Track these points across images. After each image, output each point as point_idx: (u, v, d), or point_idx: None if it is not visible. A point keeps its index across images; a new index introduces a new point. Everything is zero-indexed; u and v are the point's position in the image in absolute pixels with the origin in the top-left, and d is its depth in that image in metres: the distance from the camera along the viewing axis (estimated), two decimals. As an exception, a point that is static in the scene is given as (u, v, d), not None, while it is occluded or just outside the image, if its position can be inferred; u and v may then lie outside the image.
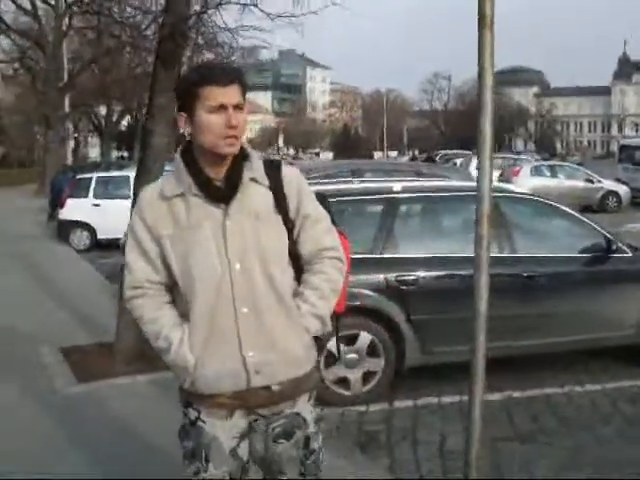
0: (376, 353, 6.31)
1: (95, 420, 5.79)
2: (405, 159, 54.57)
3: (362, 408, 6.19)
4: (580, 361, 7.20)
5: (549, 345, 6.88)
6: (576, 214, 7.41)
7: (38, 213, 24.77)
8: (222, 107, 2.57)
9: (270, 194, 2.69)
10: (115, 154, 68.07)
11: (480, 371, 3.28)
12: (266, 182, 2.70)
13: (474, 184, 7.81)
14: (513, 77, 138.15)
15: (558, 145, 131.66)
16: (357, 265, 6.00)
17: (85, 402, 6.22)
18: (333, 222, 2.89)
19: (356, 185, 7.63)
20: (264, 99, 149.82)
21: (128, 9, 32.89)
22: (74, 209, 17.51)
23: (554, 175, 26.42)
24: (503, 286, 6.58)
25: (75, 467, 4.84)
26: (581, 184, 25.82)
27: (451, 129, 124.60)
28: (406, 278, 6.33)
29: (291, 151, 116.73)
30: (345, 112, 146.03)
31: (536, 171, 26.59)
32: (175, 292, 2.74)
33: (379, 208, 6.67)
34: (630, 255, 7.10)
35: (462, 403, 6.13)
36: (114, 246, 12.89)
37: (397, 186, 6.91)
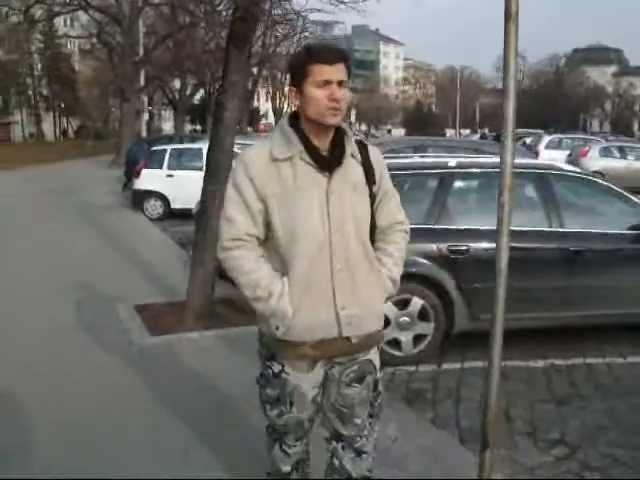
0: (427, 317, 6.71)
1: (167, 369, 6.35)
2: (476, 137, 54.16)
3: (412, 368, 6.61)
4: (625, 335, 7.41)
5: (594, 317, 7.12)
6: (625, 193, 7.65)
7: (114, 183, 25.57)
8: (327, 82, 2.84)
9: (361, 169, 3.01)
10: (188, 127, 68.97)
11: (499, 330, 3.65)
12: (359, 158, 3.02)
13: (525, 161, 8.19)
14: (590, 56, 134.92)
15: (635, 126, 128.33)
16: (412, 234, 6.47)
17: (157, 353, 6.78)
18: None
19: (415, 160, 8.02)
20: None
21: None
22: (148, 179, 18.02)
23: (623, 156, 26.12)
24: (550, 259, 6.98)
25: (146, 409, 5.38)
26: (651, 165, 25.44)
27: (525, 107, 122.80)
28: (457, 248, 6.71)
29: (363, 127, 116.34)
30: (418, 89, 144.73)
31: (605, 152, 26.30)
32: (268, 247, 2.97)
33: (434, 182, 7.05)
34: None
35: (505, 367, 6.50)
36: (186, 215, 13.46)
37: (452, 161, 7.31)
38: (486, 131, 58.02)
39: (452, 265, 6.71)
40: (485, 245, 6.77)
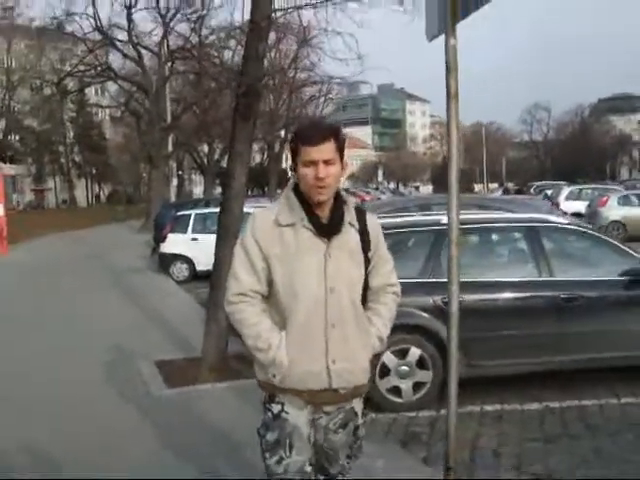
0: (425, 366, 7.13)
1: (180, 417, 6.91)
2: (499, 192, 54.63)
3: (412, 414, 7.01)
4: (620, 377, 7.71)
5: (588, 361, 7.46)
6: (612, 241, 8.11)
7: (143, 247, 26.29)
8: (313, 162, 3.11)
9: (358, 236, 3.28)
10: (218, 190, 70.06)
11: (454, 350, 4.04)
12: (357, 226, 3.29)
13: (518, 216, 8.68)
14: (615, 104, 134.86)
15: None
16: (409, 288, 6.98)
17: (173, 403, 7.34)
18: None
19: (414, 218, 8.53)
20: (365, 134, 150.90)
21: (225, 55, 34.79)
22: (174, 243, 18.64)
23: (642, 203, 26.37)
24: (543, 306, 7.39)
25: (160, 453, 5.86)
26: (672, 212, 25.57)
27: (551, 160, 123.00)
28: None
29: (392, 185, 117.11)
30: (445, 145, 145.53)
31: (624, 201, 26.54)
32: (270, 303, 3.24)
33: (429, 238, 7.54)
34: (665, 278, 7.69)
35: (502, 411, 6.98)
36: (211, 277, 14.04)
37: (445, 219, 7.77)
38: (509, 185, 58.49)
39: (446, 316, 7.14)
40: (477, 297, 7.23)
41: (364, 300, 3.35)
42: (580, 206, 27.77)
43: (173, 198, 40.21)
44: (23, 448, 6.01)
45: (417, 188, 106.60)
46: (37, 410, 7.17)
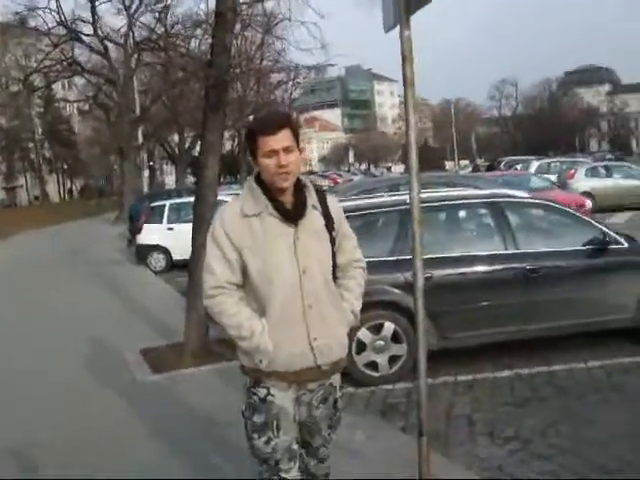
0: (399, 340, 7.43)
1: (165, 400, 7.20)
2: (469, 169, 54.92)
3: (389, 386, 7.30)
4: (586, 342, 8.04)
5: (555, 328, 7.81)
6: (574, 212, 8.44)
7: (118, 239, 26.43)
8: (273, 152, 3.21)
9: (322, 217, 3.40)
10: (190, 180, 69.96)
11: (421, 323, 4.34)
12: (319, 208, 3.40)
13: (482, 192, 8.96)
14: (583, 77, 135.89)
15: (634, 143, 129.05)
16: (380, 266, 7.33)
17: (158, 387, 7.63)
18: None
19: (382, 199, 8.80)
20: (335, 116, 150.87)
21: (192, 44, 34.73)
22: (150, 234, 18.87)
23: (610, 175, 26.80)
24: (510, 278, 7.70)
25: (147, 438, 6.12)
26: (637, 183, 25.93)
27: (522, 134, 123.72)
28: (421, 275, 7.46)
29: (363, 166, 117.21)
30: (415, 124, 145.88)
31: (592, 172, 26.96)
32: (247, 291, 3.33)
33: (397, 218, 7.81)
34: (626, 246, 8.04)
35: (474, 380, 7.29)
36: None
37: (411, 198, 8.07)
38: (480, 161, 58.85)
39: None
40: (446, 271, 7.54)
41: (334, 277, 3.47)
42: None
43: (146, 189, 40.20)
44: (13, 437, 6.28)
45: (389, 169, 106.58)
46: (24, 399, 7.46)
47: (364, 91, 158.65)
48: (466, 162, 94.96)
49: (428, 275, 7.41)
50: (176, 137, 52.67)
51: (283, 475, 3.37)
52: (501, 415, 6.28)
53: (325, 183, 59.87)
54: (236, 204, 3.35)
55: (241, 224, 3.28)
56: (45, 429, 6.50)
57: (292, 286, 3.27)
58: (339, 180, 61.81)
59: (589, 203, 19.19)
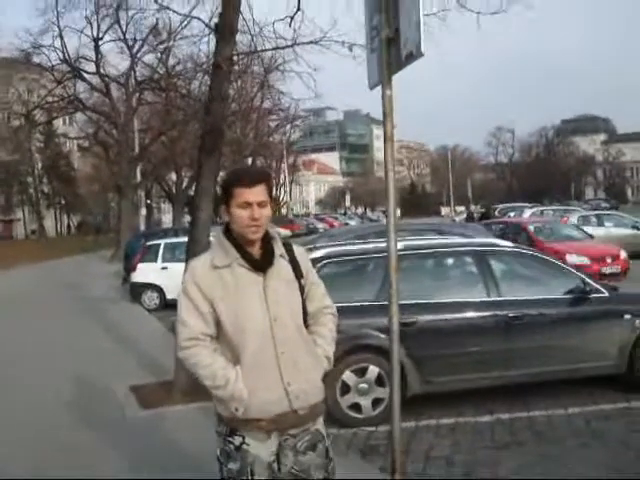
0: (383, 383, 7.56)
1: (154, 436, 7.35)
2: (464, 216, 55.44)
3: (372, 428, 7.45)
4: (568, 389, 8.26)
5: (536, 374, 8.02)
6: (557, 261, 8.70)
7: (113, 277, 26.60)
8: (248, 204, 3.30)
9: (289, 266, 3.48)
10: (187, 219, 70.19)
11: (396, 365, 4.51)
12: (287, 257, 3.49)
13: (468, 241, 9.18)
14: (579, 125, 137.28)
15: (629, 191, 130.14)
16: (365, 310, 7.54)
17: (147, 423, 7.80)
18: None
19: (370, 245, 9.02)
20: (332, 159, 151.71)
21: (193, 86, 35.21)
22: (144, 272, 19.05)
23: (601, 224, 27.12)
24: (492, 325, 7.92)
25: (137, 469, 6.29)
26: (628, 232, 26.37)
27: (518, 181, 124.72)
28: (405, 321, 7.65)
29: (359, 210, 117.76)
30: (412, 169, 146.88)
31: (583, 221, 27.32)
32: (220, 341, 3.38)
33: (382, 263, 8.01)
34: (607, 295, 8.28)
35: (456, 423, 7.47)
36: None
37: (399, 244, 8.27)
38: (474, 207, 59.42)
39: (402, 335, 7.62)
40: (430, 317, 7.77)
41: (305, 325, 3.52)
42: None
43: (142, 227, 40.50)
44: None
45: (384, 212, 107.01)
46: (13, 433, 7.59)
47: (362, 135, 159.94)
48: (462, 208, 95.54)
49: (413, 320, 7.67)
50: (174, 176, 53.02)
51: None
52: (479, 457, 6.46)
53: (321, 226, 60.39)
54: (206, 257, 3.45)
55: (212, 276, 3.35)
56: (30, 463, 6.65)
57: (264, 334, 3.33)
58: (335, 223, 62.29)
59: (624, 253, 19.19)
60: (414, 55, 3.94)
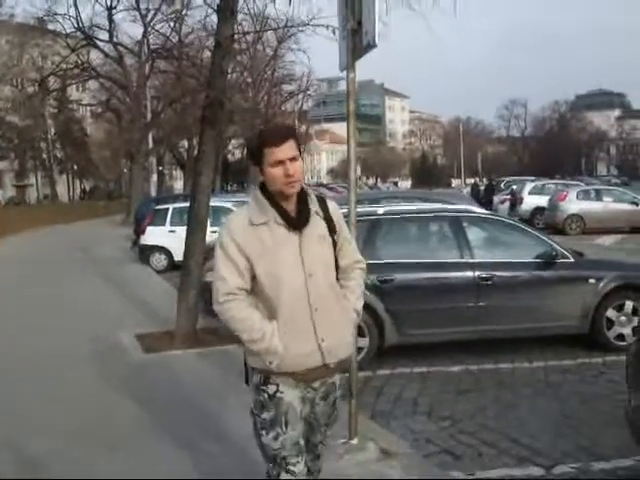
0: (362, 334, 8.25)
1: (155, 376, 8.18)
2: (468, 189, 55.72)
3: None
4: (537, 346, 9.05)
5: (506, 331, 8.79)
6: (526, 227, 9.49)
7: (124, 240, 27.36)
8: (280, 162, 3.32)
9: (324, 222, 3.51)
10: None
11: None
12: (321, 214, 3.52)
13: (446, 207, 9.94)
14: (593, 101, 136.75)
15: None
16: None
17: (149, 365, 8.63)
18: None
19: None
20: (345, 129, 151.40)
21: (205, 54, 35.66)
22: (153, 235, 19.80)
23: (599, 199, 27.71)
24: (464, 284, 8.68)
25: (136, 407, 7.06)
26: (627, 207, 27.06)
27: (529, 155, 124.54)
28: (384, 278, 8.45)
29: (370, 180, 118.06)
30: (424, 140, 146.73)
31: (582, 195, 27.82)
32: (256, 297, 3.43)
33: (367, 226, 8.78)
34: (573, 260, 9.01)
35: (428, 372, 8.26)
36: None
37: (381, 210, 9.12)
38: (476, 181, 59.61)
39: (381, 292, 8.40)
40: (407, 275, 8.54)
41: (337, 278, 3.59)
42: (542, 200, 29.11)
43: (153, 193, 40.81)
44: (14, 412, 7.00)
45: (395, 184, 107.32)
46: (29, 378, 8.24)
47: (375, 106, 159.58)
48: (472, 181, 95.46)
49: (390, 278, 8.46)
50: (185, 143, 53.54)
51: (291, 468, 3.45)
52: (442, 400, 7.24)
53: (331, 195, 60.84)
54: (243, 214, 3.47)
55: (249, 232, 3.38)
56: (43, 405, 7.37)
57: (299, 290, 3.38)
58: (345, 193, 62.44)
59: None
60: (371, 45, 4.73)
